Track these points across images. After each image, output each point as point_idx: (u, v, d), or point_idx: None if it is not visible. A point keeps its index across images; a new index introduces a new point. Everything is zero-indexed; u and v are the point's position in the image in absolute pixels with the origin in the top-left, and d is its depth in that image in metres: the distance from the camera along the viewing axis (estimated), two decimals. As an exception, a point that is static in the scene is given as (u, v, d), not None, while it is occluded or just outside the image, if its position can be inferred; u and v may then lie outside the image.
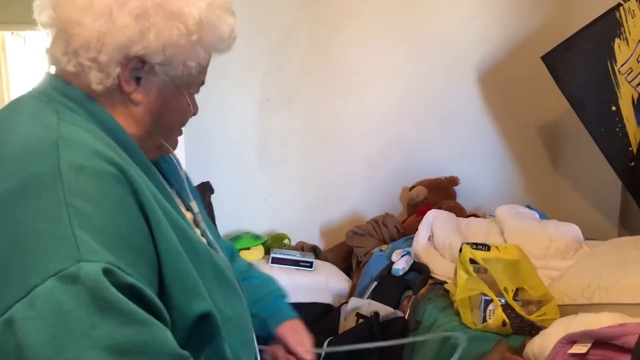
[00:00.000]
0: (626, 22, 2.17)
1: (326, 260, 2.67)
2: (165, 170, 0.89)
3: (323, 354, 1.87)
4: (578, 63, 2.24)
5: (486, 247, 1.80)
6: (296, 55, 2.73)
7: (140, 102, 0.75)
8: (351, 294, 2.43)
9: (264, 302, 1.06)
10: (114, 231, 0.62)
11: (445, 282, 2.01)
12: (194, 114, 0.84)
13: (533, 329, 1.58)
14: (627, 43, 2.19)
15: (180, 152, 2.12)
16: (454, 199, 2.81)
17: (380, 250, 2.47)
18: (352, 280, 2.55)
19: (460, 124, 2.86)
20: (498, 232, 2.32)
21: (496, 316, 1.61)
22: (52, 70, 0.76)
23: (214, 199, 2.56)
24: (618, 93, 2.22)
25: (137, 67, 0.72)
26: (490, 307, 1.64)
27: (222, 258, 0.85)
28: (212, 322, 0.71)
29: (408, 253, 2.29)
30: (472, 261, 1.75)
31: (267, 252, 2.59)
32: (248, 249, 2.58)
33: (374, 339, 1.91)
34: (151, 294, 0.62)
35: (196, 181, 2.48)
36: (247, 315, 0.86)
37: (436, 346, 1.64)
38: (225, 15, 0.76)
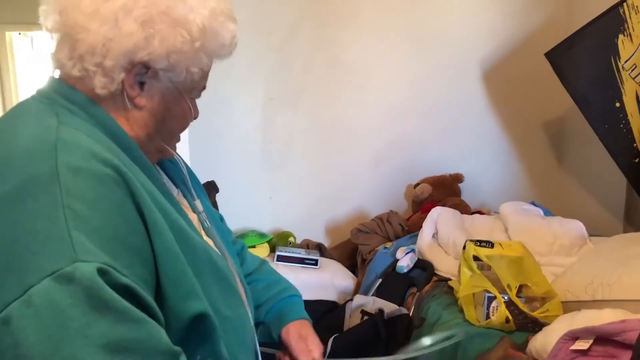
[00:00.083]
0: (630, 18, 2.16)
1: (331, 257, 2.68)
2: (171, 171, 0.90)
3: (329, 350, 1.89)
4: (582, 60, 2.24)
5: (490, 244, 1.81)
6: (299, 54, 2.74)
7: (143, 107, 0.77)
8: (356, 291, 2.45)
9: (267, 307, 1.04)
10: (110, 232, 0.63)
11: (450, 279, 2.02)
12: (195, 117, 0.85)
13: (536, 326, 1.58)
14: (631, 39, 2.18)
15: (185, 152, 2.14)
16: (459, 196, 2.81)
17: (385, 247, 2.48)
18: (357, 277, 2.56)
19: (465, 121, 2.87)
20: (502, 229, 2.32)
21: (499, 313, 1.61)
22: (57, 74, 0.77)
23: (219, 197, 2.58)
24: (622, 89, 2.21)
25: (141, 72, 0.74)
26: (494, 304, 1.64)
27: (226, 258, 0.87)
28: (208, 323, 0.72)
29: (412, 250, 2.30)
30: (476, 258, 1.76)
31: (273, 250, 2.61)
32: (254, 247, 2.61)
33: (379, 336, 1.92)
34: (145, 294, 0.63)
35: (201, 180, 2.50)
36: (247, 316, 0.87)
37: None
38: (227, 22, 0.78)
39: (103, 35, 0.71)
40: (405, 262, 2.24)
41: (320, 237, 2.86)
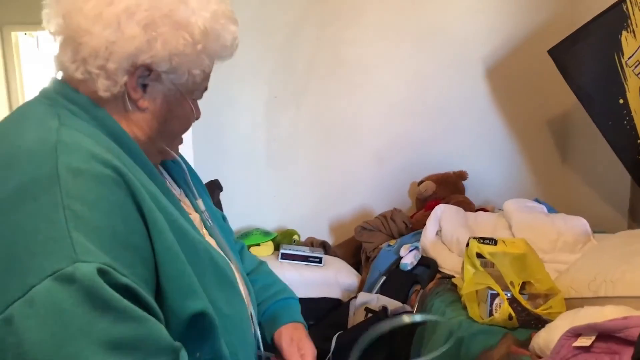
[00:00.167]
0: (633, 14, 2.16)
1: (335, 255, 2.69)
2: (173, 172, 0.91)
3: (332, 347, 1.90)
4: (585, 56, 2.23)
5: (493, 241, 1.81)
6: (303, 53, 2.75)
7: (146, 109, 0.77)
8: (360, 288, 2.46)
9: (262, 309, 1.04)
10: (110, 233, 0.63)
11: (453, 277, 2.02)
12: (197, 118, 0.86)
13: (539, 322, 1.59)
14: (634, 35, 2.17)
15: (188, 151, 2.16)
16: (463, 194, 2.82)
17: (389, 245, 2.49)
18: (361, 275, 2.57)
19: (468, 119, 2.87)
20: (506, 226, 2.32)
21: (502, 310, 1.62)
22: (59, 75, 0.77)
23: (223, 196, 2.60)
24: (625, 86, 2.21)
25: (143, 74, 0.75)
26: (497, 300, 1.65)
27: (229, 257, 0.87)
28: (207, 321, 0.73)
29: (416, 248, 2.30)
30: (479, 255, 1.76)
31: (277, 248, 2.62)
32: (258, 245, 2.62)
33: (383, 334, 1.92)
34: (145, 294, 0.64)
35: (205, 179, 2.51)
36: (249, 315, 0.88)
37: (443, 340, 1.66)
38: (228, 23, 0.78)
39: (106, 39, 0.71)
40: (409, 259, 2.25)
41: (324, 235, 2.87)
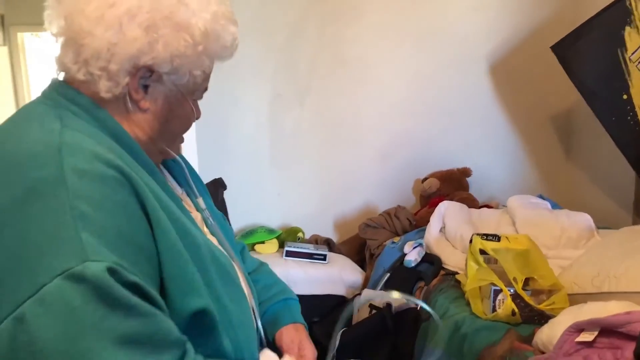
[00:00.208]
0: (636, 9, 2.15)
1: (340, 252, 2.70)
2: (174, 171, 0.92)
3: (337, 344, 1.91)
4: (588, 52, 2.23)
5: (496, 237, 1.81)
6: (306, 51, 2.75)
7: (147, 109, 0.78)
8: (364, 285, 2.46)
9: (262, 309, 1.04)
10: (116, 232, 0.64)
11: (457, 273, 2.03)
12: (197, 118, 0.87)
13: (542, 318, 1.59)
14: (638, 31, 2.17)
15: (192, 150, 2.17)
16: (467, 190, 2.82)
17: (393, 242, 2.49)
18: (365, 272, 2.58)
19: (472, 115, 2.86)
20: (510, 223, 2.32)
21: (505, 306, 1.62)
22: (61, 76, 0.78)
23: (227, 194, 2.61)
24: (629, 81, 2.20)
25: (145, 76, 0.75)
26: (500, 296, 1.65)
27: (230, 256, 0.88)
28: (209, 318, 0.74)
29: (420, 245, 2.31)
30: (483, 252, 1.77)
31: (282, 245, 2.63)
32: (262, 242, 2.63)
33: (387, 330, 1.94)
34: (153, 291, 0.65)
35: (209, 178, 2.53)
36: (251, 311, 0.89)
37: (447, 335, 1.67)
38: (228, 24, 0.79)
39: (108, 40, 0.72)
40: (412, 256, 2.25)
41: (328, 233, 2.88)
